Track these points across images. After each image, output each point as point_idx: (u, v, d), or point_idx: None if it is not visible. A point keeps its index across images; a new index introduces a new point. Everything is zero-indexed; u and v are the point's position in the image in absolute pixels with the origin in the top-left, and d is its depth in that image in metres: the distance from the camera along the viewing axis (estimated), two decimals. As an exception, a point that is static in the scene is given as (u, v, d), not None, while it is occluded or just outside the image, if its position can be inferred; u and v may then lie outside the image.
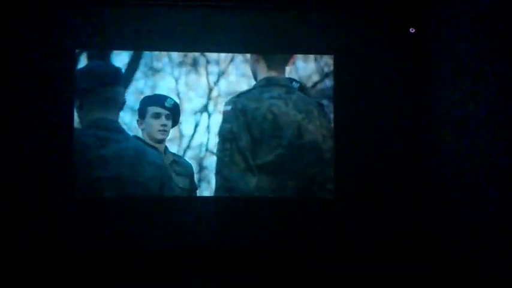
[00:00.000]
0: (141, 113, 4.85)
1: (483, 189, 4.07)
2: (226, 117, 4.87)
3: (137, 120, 4.85)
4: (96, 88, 4.76)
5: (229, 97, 4.95)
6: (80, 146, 4.77)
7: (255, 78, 4.99)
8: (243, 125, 4.86)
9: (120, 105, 4.81)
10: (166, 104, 4.86)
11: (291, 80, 5.02)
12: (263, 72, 4.97)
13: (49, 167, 4.79)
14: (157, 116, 4.84)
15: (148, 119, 4.84)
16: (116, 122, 4.78)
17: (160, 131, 4.83)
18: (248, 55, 5.03)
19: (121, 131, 4.78)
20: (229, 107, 4.89)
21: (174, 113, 4.87)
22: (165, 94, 4.92)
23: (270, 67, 4.97)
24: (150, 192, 4.80)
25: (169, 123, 4.85)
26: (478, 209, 4.13)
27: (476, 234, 4.14)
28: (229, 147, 4.84)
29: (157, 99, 4.87)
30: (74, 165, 4.77)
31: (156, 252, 4.83)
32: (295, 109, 4.94)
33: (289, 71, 5.03)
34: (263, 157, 4.89)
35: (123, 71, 4.91)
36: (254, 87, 4.96)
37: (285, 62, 5.01)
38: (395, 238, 4.96)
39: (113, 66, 4.90)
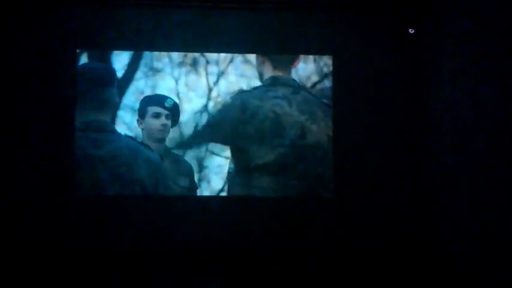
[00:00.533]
0: (141, 113, 4.87)
1: (483, 190, 4.07)
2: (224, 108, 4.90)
3: (137, 120, 4.87)
4: (89, 89, 4.81)
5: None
6: (76, 147, 4.80)
7: (261, 79, 5.01)
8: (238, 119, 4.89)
9: (113, 106, 4.84)
10: (166, 104, 4.87)
11: (294, 80, 5.03)
12: (269, 73, 5.00)
13: (49, 167, 4.79)
14: (157, 115, 4.86)
15: (148, 119, 4.86)
16: (109, 122, 4.82)
17: (160, 130, 4.86)
18: (248, 55, 5.03)
19: (113, 131, 4.82)
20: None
21: (174, 113, 4.89)
22: (165, 94, 4.93)
23: (275, 67, 4.99)
24: (146, 190, 4.82)
25: (169, 123, 4.87)
26: (478, 210, 4.13)
27: (476, 235, 4.14)
28: None
29: (157, 99, 4.89)
30: (75, 165, 4.77)
31: (155, 252, 4.83)
32: (298, 110, 4.95)
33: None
34: (264, 156, 4.90)
35: (124, 71, 4.92)
36: (261, 86, 4.99)
37: (291, 63, 5.03)
38: (395, 237, 4.96)
39: (106, 67, 4.92)
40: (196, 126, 4.95)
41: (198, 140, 4.91)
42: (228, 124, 4.90)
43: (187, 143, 4.92)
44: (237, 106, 4.92)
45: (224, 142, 4.91)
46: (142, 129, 4.87)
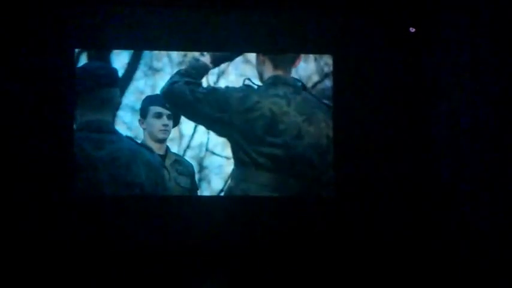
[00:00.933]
0: (143, 113, 4.85)
1: (485, 190, 4.08)
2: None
3: (139, 120, 4.84)
4: (92, 89, 4.78)
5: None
6: (75, 148, 4.76)
7: (261, 79, 4.99)
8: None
9: (115, 106, 4.82)
10: (168, 104, 4.85)
11: (295, 79, 5.01)
12: (269, 73, 4.98)
13: (48, 168, 4.76)
14: (158, 115, 4.83)
15: (150, 119, 4.84)
16: (111, 123, 4.79)
17: (161, 130, 4.82)
18: (248, 55, 5.02)
19: (115, 131, 4.79)
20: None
21: (176, 113, 4.87)
22: (166, 94, 4.91)
23: (276, 67, 4.97)
24: (146, 192, 4.80)
25: (171, 123, 4.84)
26: (479, 209, 4.14)
27: (477, 235, 4.14)
28: None
29: (159, 99, 4.86)
30: (74, 166, 4.75)
31: (156, 252, 4.81)
32: (296, 110, 4.93)
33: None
34: (259, 154, 4.89)
35: (123, 70, 4.90)
36: (262, 85, 4.97)
37: (292, 62, 5.01)
38: (396, 238, 4.95)
39: (109, 67, 4.89)
40: (196, 127, 4.94)
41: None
42: (226, 106, 4.91)
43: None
44: (239, 97, 4.90)
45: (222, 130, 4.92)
46: (144, 129, 4.84)
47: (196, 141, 4.94)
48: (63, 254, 4.71)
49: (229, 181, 4.91)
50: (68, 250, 4.73)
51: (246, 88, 4.93)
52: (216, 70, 4.99)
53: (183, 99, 4.85)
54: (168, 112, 4.83)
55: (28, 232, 4.70)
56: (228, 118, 4.89)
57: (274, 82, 4.95)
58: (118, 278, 4.66)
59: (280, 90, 4.94)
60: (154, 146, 4.84)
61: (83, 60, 4.89)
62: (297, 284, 4.74)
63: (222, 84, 4.97)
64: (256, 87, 4.95)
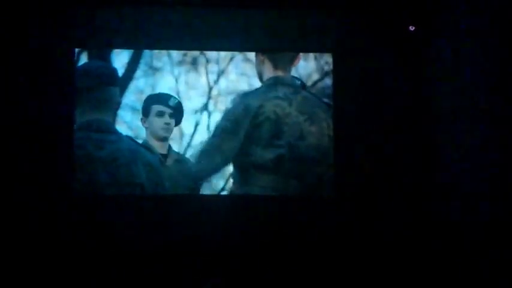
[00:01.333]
0: (145, 112, 4.84)
1: (484, 189, 4.08)
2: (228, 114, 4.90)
3: (141, 119, 4.84)
4: (92, 88, 4.76)
5: (232, 95, 4.96)
6: (75, 147, 4.74)
7: (261, 79, 4.97)
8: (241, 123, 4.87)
9: (115, 106, 4.81)
10: (170, 103, 4.85)
11: (295, 78, 5.01)
12: (269, 73, 4.96)
13: (48, 168, 4.74)
14: (161, 114, 4.82)
15: (152, 118, 4.83)
16: (111, 122, 4.78)
17: (163, 128, 4.82)
18: (248, 54, 5.01)
19: (115, 131, 4.78)
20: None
21: (178, 112, 4.86)
22: (166, 93, 4.90)
23: (276, 67, 4.96)
24: (146, 192, 4.79)
25: (173, 121, 4.84)
26: (479, 209, 4.14)
27: (477, 235, 4.15)
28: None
29: (161, 98, 4.86)
30: (74, 166, 4.73)
31: (156, 252, 4.80)
32: (298, 110, 4.91)
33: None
34: (263, 156, 4.88)
35: (123, 70, 4.89)
36: (262, 86, 4.95)
37: (291, 62, 4.99)
38: (396, 238, 4.95)
39: (109, 66, 4.88)
40: (196, 126, 4.93)
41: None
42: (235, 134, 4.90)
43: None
44: (241, 113, 4.90)
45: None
46: (146, 128, 4.84)
47: (197, 140, 4.93)
48: (63, 254, 4.69)
49: (230, 184, 4.92)
50: (68, 250, 4.71)
51: (243, 95, 4.92)
52: (216, 69, 4.99)
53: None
54: (170, 111, 4.83)
55: (28, 232, 4.68)
56: (239, 131, 4.88)
57: (274, 83, 4.94)
58: (118, 277, 4.64)
59: (280, 92, 4.92)
60: (157, 144, 4.84)
61: (83, 59, 4.89)
62: (297, 284, 4.73)
63: (223, 83, 4.96)
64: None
